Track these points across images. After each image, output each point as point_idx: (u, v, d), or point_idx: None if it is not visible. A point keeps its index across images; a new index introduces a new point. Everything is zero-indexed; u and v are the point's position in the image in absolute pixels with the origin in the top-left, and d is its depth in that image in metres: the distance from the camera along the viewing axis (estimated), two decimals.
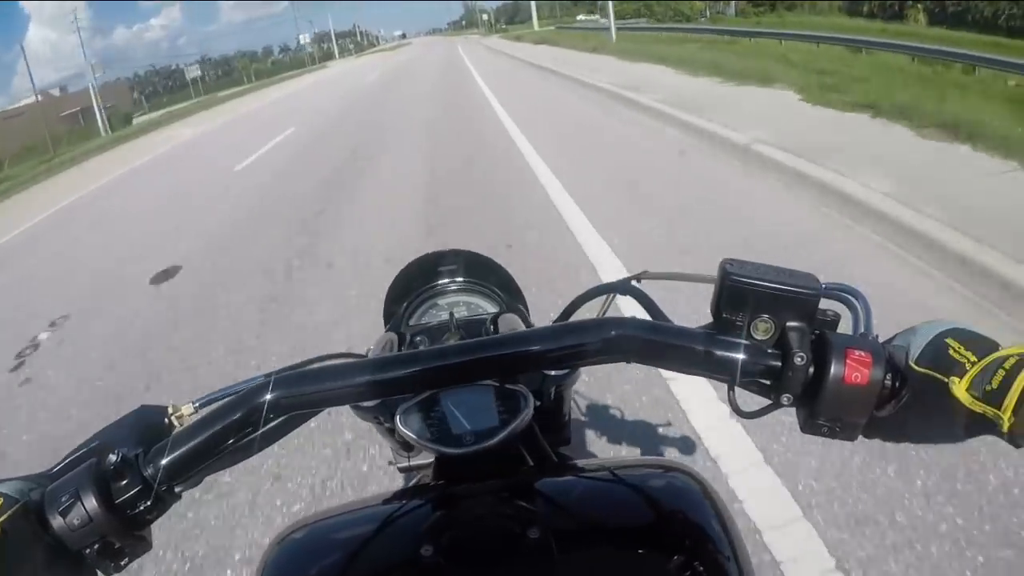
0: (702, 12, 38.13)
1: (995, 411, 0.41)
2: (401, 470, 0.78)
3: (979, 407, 0.42)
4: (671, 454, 1.89)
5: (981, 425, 0.42)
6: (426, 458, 0.76)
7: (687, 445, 2.01)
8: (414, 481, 0.77)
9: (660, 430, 2.07)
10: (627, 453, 1.83)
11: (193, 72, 67.21)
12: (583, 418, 1.97)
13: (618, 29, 19.91)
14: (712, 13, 37.17)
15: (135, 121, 39.64)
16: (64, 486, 0.47)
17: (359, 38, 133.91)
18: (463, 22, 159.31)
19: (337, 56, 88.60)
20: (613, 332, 0.50)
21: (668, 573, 0.52)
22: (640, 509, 0.59)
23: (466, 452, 0.55)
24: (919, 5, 23.78)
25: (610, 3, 20.69)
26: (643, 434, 2.04)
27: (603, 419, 2.11)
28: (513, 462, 0.64)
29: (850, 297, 0.52)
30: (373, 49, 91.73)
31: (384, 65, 35.27)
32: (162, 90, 74.34)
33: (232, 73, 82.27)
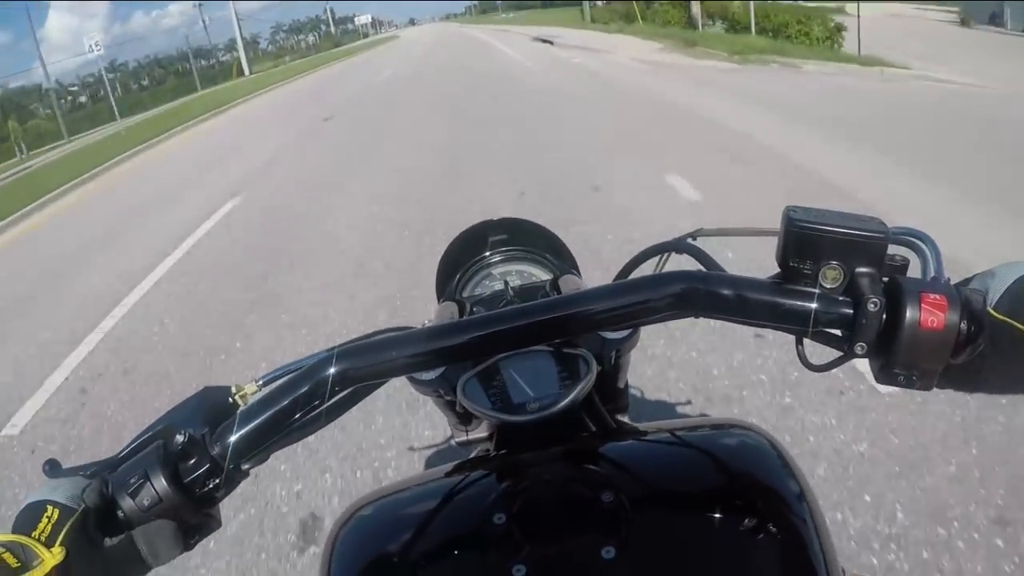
0: None
1: None
2: (460, 444, 0.78)
3: None
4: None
5: None
6: (485, 430, 0.76)
7: None
8: (475, 453, 0.77)
9: None
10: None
11: None
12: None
13: None
14: None
15: None
16: (132, 468, 0.48)
17: (333, 28, 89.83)
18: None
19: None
20: (680, 286, 0.48)
21: (744, 535, 0.51)
22: (711, 471, 0.58)
23: (530, 420, 0.55)
24: None
25: None
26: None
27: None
28: (574, 429, 0.64)
29: (917, 241, 0.50)
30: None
31: None
32: None
33: None
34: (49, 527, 0.45)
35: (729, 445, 0.61)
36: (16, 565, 0.44)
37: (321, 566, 0.58)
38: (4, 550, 0.44)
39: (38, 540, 0.44)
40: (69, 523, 0.45)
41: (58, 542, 0.44)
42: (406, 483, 0.64)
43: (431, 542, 0.56)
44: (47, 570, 0.44)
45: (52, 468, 0.49)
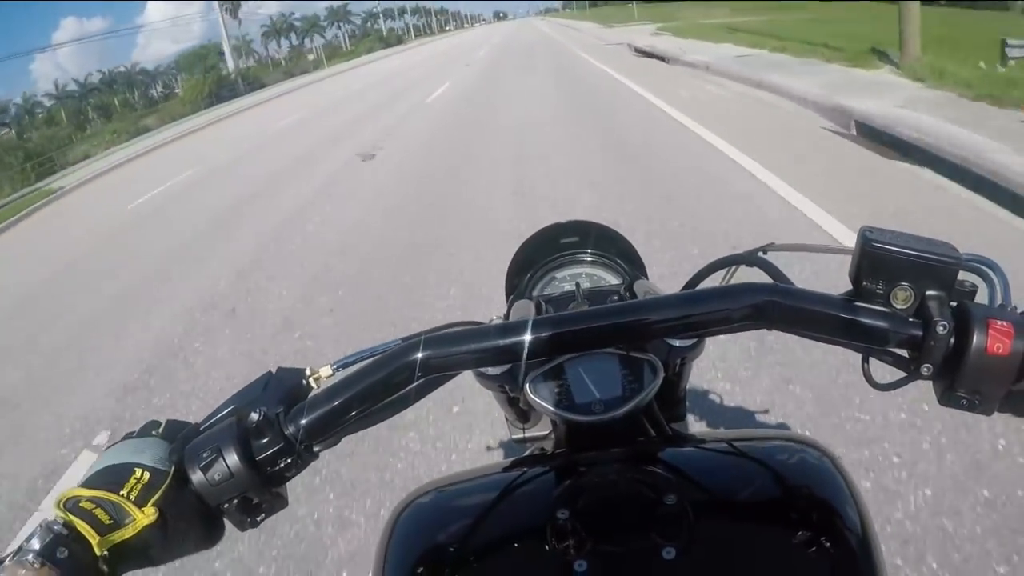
0: None
1: None
2: (516, 441, 0.79)
3: None
4: None
5: None
6: (542, 429, 0.77)
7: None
8: (529, 451, 0.78)
9: None
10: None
11: None
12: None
13: None
14: None
15: None
16: (205, 442, 0.48)
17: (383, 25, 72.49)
18: None
19: None
20: (758, 298, 0.49)
21: (801, 551, 0.52)
22: (773, 484, 0.58)
23: (593, 421, 0.56)
24: None
25: None
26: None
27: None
28: (634, 433, 0.64)
29: (986, 269, 0.51)
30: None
31: None
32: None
33: None
34: (139, 487, 0.45)
35: (792, 461, 0.61)
36: (108, 522, 0.44)
37: (378, 550, 0.59)
38: (95, 506, 0.44)
39: (127, 499, 0.45)
40: (163, 486, 0.46)
41: (150, 503, 0.45)
42: (467, 474, 0.65)
43: (492, 532, 0.57)
44: (139, 529, 0.44)
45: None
